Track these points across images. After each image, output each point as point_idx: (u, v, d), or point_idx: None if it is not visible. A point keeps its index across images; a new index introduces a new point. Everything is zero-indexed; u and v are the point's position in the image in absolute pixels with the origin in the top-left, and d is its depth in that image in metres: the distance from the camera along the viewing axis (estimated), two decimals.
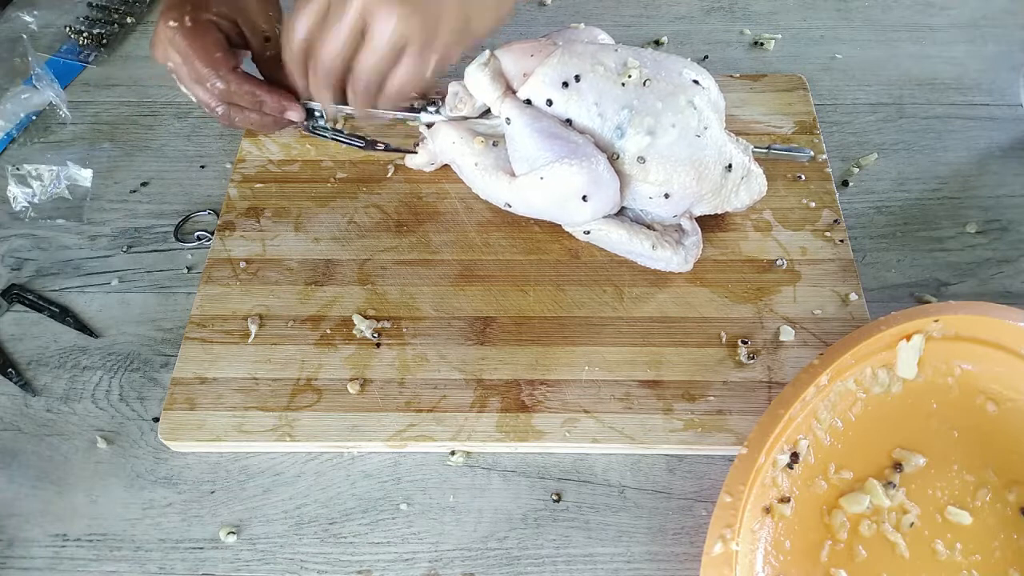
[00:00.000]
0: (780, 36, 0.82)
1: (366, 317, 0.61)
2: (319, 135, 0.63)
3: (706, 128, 0.58)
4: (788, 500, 0.51)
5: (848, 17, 0.84)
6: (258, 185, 0.70)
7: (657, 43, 0.81)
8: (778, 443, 0.50)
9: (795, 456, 0.51)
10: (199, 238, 0.68)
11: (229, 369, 0.59)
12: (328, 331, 0.61)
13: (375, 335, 0.60)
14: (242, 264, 0.64)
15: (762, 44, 0.81)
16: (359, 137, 0.65)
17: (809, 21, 0.84)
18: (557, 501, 0.54)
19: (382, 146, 0.66)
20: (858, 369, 0.54)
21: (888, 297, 0.63)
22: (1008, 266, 0.65)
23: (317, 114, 0.62)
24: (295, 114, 0.61)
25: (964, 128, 0.73)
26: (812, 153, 0.65)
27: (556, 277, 0.63)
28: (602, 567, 0.52)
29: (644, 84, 0.58)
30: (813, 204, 0.67)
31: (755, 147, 0.64)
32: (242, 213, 0.68)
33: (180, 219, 0.69)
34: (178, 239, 0.68)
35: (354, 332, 0.60)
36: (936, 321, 0.53)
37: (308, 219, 0.67)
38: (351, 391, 0.57)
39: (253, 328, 0.61)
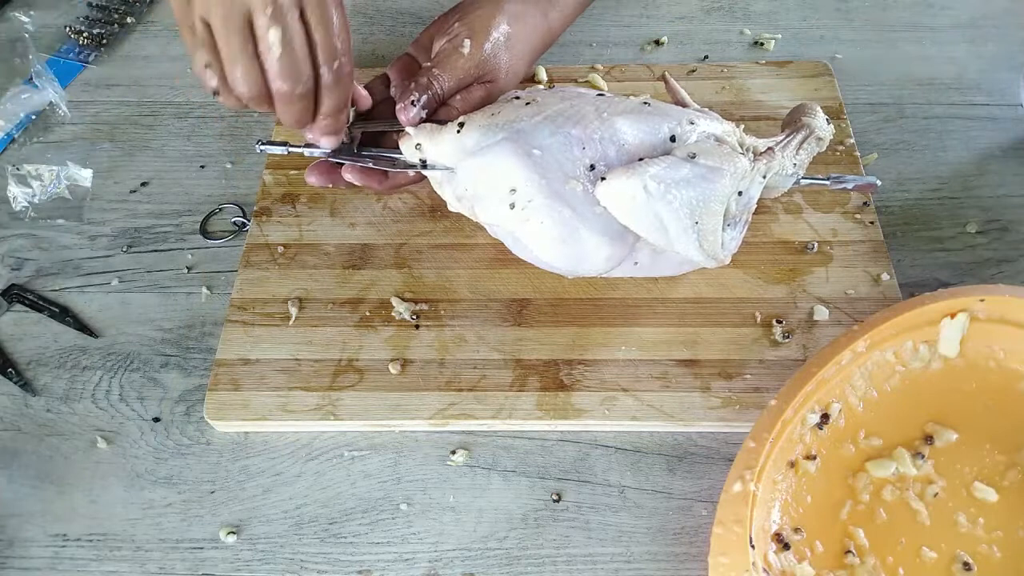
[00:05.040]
0: (780, 36, 0.82)
1: (404, 300, 0.61)
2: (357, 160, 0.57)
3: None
4: (814, 458, 0.52)
5: (848, 17, 0.84)
6: (292, 172, 0.70)
7: (657, 43, 0.81)
8: (808, 401, 0.51)
9: (825, 417, 0.52)
10: (204, 235, 0.68)
11: (271, 351, 0.59)
12: (367, 313, 0.61)
13: (413, 316, 0.61)
14: (280, 249, 0.65)
15: (762, 44, 0.81)
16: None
17: (809, 21, 0.84)
18: (557, 501, 0.54)
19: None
20: (898, 342, 0.54)
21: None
22: (1008, 266, 0.65)
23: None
24: None
25: (964, 128, 0.73)
26: (879, 182, 0.60)
27: None
28: (602, 567, 0.52)
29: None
30: None
31: (812, 178, 0.60)
32: (278, 199, 0.68)
33: (205, 216, 0.69)
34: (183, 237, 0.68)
35: (393, 314, 0.61)
36: (982, 300, 0.53)
37: (343, 205, 0.68)
38: (392, 371, 0.58)
39: (293, 311, 0.61)
